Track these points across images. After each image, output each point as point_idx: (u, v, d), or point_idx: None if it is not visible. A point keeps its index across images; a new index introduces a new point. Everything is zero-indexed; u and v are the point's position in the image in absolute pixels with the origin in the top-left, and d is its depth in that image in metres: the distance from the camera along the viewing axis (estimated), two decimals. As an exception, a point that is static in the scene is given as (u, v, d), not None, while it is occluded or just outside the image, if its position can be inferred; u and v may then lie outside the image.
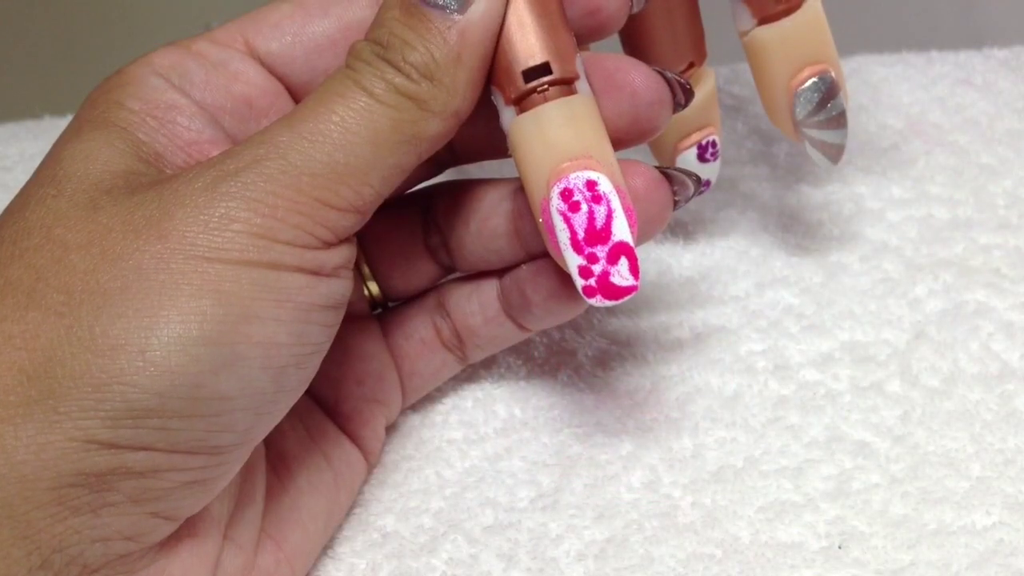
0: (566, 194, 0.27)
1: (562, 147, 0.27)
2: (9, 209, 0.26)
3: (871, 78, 0.46)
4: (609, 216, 0.27)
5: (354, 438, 0.31)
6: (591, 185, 0.27)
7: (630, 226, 0.27)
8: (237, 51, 0.28)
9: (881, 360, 0.34)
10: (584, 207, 0.27)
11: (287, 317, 0.24)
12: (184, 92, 0.27)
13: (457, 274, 0.33)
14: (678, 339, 0.35)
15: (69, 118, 0.28)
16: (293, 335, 0.25)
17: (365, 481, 0.32)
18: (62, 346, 0.23)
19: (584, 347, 0.35)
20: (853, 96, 0.45)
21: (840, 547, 0.29)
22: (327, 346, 0.26)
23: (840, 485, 0.31)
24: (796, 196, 0.40)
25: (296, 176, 0.24)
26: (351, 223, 0.25)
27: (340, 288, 0.26)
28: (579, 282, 0.27)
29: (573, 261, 0.27)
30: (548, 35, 0.27)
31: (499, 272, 0.32)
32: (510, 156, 0.28)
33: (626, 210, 0.27)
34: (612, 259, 0.27)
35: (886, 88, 0.45)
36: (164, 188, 0.24)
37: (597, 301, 0.27)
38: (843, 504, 0.30)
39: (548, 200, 0.27)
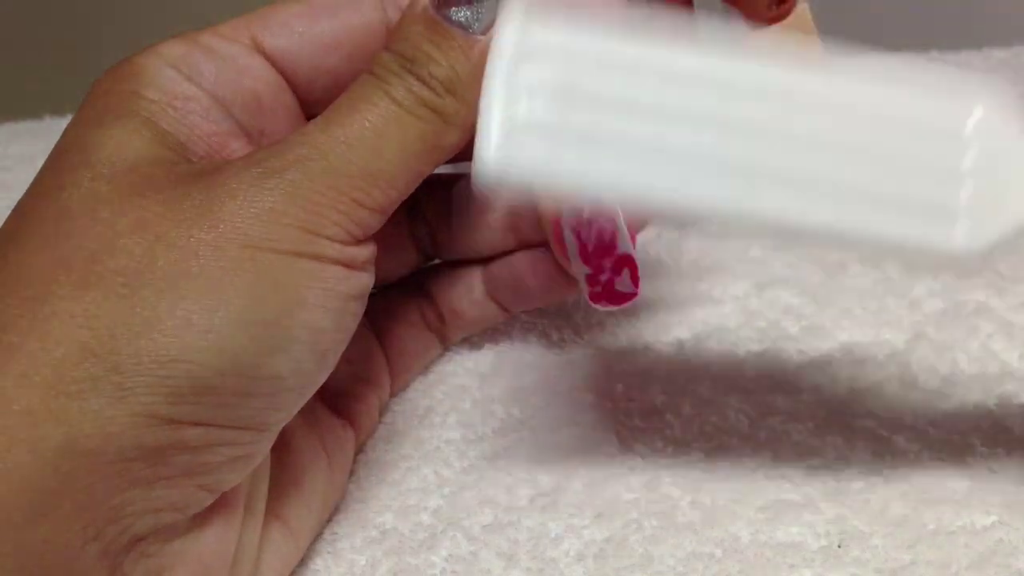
0: (576, 211, 0.30)
1: None
2: (39, 192, 0.26)
3: (871, 78, 0.46)
4: (614, 232, 0.30)
5: (347, 415, 0.32)
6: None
7: (631, 240, 0.30)
8: (244, 46, 0.29)
9: (880, 360, 0.34)
10: (593, 224, 0.30)
11: (331, 305, 0.26)
12: (196, 84, 0.28)
13: (438, 260, 0.35)
14: (678, 339, 0.35)
15: (69, 118, 0.28)
16: (335, 322, 0.26)
17: (357, 451, 0.33)
18: (126, 325, 0.24)
19: (583, 347, 0.35)
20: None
21: (840, 546, 0.29)
22: (352, 334, 0.28)
23: (840, 485, 0.31)
24: (796, 196, 0.40)
25: (337, 177, 0.26)
26: (376, 222, 0.27)
27: (367, 281, 0.27)
28: (586, 289, 0.31)
29: (581, 270, 0.31)
30: None
31: (484, 258, 0.34)
32: None
33: (628, 226, 0.30)
34: (616, 270, 0.31)
35: (886, 88, 0.45)
36: (209, 181, 0.26)
37: (602, 306, 0.31)
38: (843, 503, 0.30)
39: (560, 216, 0.30)
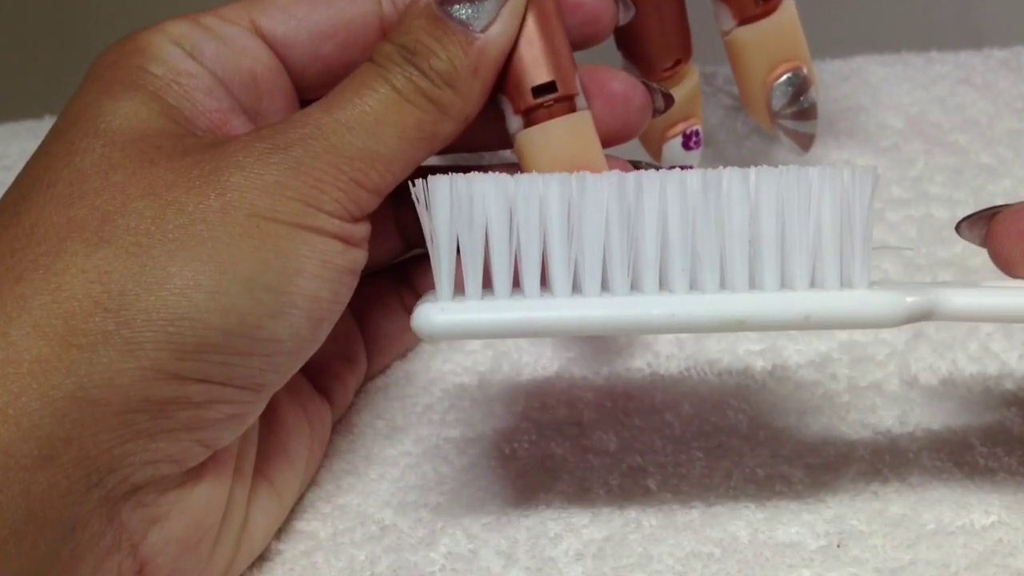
0: None
1: (565, 159, 0.30)
2: (49, 155, 0.28)
3: (871, 78, 0.46)
4: None
5: (325, 391, 0.33)
6: None
7: None
8: (243, 28, 0.30)
9: (880, 360, 0.34)
10: None
11: (328, 276, 0.27)
12: (198, 62, 0.29)
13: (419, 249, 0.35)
14: (678, 339, 0.35)
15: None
16: (331, 293, 0.28)
17: (331, 430, 0.33)
18: (137, 283, 0.25)
19: (582, 346, 0.35)
20: (853, 96, 0.45)
21: (839, 546, 0.29)
22: (344, 307, 0.29)
23: (839, 484, 0.31)
24: (796, 196, 0.40)
25: (337, 156, 0.27)
26: (372, 203, 0.28)
27: (361, 257, 0.29)
28: None
29: None
30: (554, 55, 0.30)
31: None
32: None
33: None
34: None
35: (886, 88, 0.45)
36: (217, 152, 0.27)
37: None
38: (842, 503, 0.30)
39: None
